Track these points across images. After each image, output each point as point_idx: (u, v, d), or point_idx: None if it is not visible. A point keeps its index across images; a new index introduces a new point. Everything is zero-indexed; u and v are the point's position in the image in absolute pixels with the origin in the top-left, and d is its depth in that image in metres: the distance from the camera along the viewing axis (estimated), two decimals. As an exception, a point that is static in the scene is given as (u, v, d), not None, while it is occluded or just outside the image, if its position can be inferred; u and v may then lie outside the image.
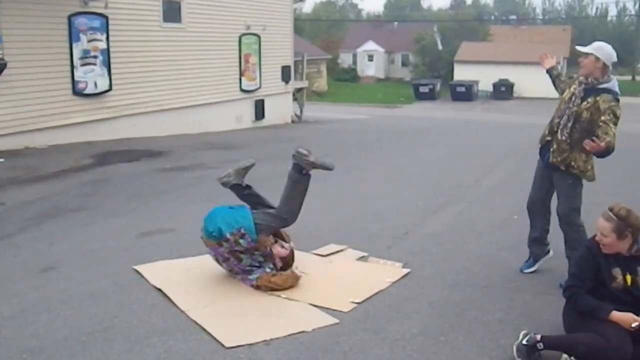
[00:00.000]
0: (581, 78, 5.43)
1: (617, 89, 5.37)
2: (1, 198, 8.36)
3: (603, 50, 5.31)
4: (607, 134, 5.05)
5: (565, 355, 4.02)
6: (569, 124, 5.39)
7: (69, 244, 6.50)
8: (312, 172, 5.52)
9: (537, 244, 5.92)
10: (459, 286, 5.56)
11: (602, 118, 5.18)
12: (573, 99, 5.40)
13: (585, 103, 5.32)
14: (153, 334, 4.47)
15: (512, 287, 5.55)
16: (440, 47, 57.34)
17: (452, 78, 48.90)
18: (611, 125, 5.14)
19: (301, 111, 24.70)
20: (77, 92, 13.32)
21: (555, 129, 5.50)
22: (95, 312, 4.80)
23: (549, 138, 5.60)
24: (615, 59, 5.36)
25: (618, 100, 5.32)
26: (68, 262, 5.89)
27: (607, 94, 5.28)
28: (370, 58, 61.22)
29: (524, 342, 4.15)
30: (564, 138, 5.42)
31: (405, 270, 5.85)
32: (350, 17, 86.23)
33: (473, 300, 5.27)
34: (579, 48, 5.41)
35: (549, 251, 5.94)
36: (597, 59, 5.29)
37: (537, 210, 5.84)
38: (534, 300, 5.29)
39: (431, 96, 45.42)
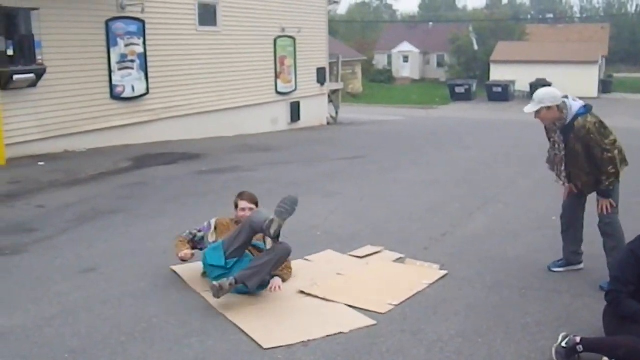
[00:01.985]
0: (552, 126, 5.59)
1: (579, 106, 5.44)
2: (41, 201, 8.52)
3: (546, 98, 5.42)
4: (603, 162, 5.31)
5: (605, 358, 3.96)
6: (567, 168, 5.59)
7: (108, 246, 6.60)
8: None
9: (572, 254, 5.92)
10: (496, 288, 5.52)
11: (591, 144, 5.34)
12: (556, 145, 5.61)
13: (569, 142, 5.46)
14: (192, 334, 4.53)
15: (550, 289, 5.50)
16: (475, 47, 56.85)
17: (488, 78, 48.44)
18: (602, 144, 5.30)
19: (336, 113, 24.71)
20: (115, 96, 13.49)
21: (568, 177, 5.67)
22: (135, 312, 4.87)
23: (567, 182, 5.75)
24: (559, 93, 5.46)
25: (587, 111, 5.40)
26: (107, 263, 5.98)
27: (577, 120, 5.38)
28: (406, 59, 60.93)
29: (563, 344, 4.11)
30: (579, 182, 5.63)
31: (443, 272, 5.83)
32: (385, 18, 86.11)
33: (511, 302, 5.23)
34: (526, 110, 5.53)
35: (581, 262, 5.94)
36: (549, 108, 5.41)
37: (572, 218, 5.85)
38: (573, 302, 5.23)
39: (467, 97, 45.04)
